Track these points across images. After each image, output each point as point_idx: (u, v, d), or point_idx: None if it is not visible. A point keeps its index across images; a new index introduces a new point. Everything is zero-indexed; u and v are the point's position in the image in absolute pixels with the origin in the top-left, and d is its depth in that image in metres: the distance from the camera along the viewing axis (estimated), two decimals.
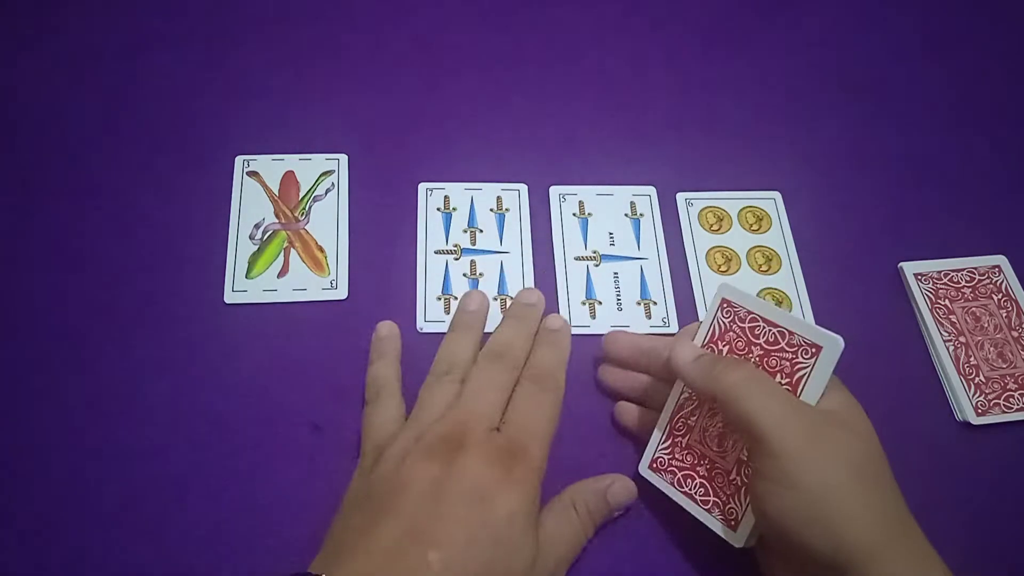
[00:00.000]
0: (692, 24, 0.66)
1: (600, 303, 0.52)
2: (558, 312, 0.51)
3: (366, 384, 0.46)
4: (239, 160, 0.56)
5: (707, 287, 0.53)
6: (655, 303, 0.52)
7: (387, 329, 0.48)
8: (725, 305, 0.42)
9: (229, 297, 0.51)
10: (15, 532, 0.43)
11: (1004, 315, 0.52)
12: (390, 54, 0.62)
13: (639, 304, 0.52)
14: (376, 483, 0.37)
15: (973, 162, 0.60)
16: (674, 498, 0.42)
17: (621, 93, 0.62)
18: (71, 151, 0.56)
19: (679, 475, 0.42)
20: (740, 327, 0.41)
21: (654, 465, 0.43)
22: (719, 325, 0.42)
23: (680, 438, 0.43)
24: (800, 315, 0.52)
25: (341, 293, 0.51)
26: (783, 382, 0.39)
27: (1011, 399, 0.49)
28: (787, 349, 0.39)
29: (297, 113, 0.59)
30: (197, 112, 0.58)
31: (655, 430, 0.44)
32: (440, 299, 0.52)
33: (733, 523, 0.40)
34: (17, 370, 0.48)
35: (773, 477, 0.35)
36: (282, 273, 0.52)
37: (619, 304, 0.52)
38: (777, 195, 0.57)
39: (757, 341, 0.41)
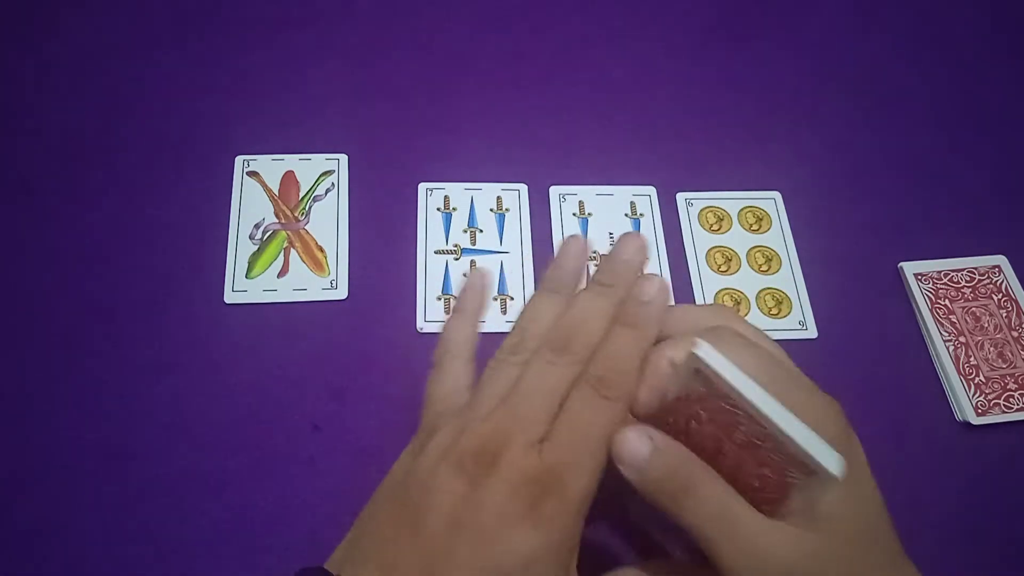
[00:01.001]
0: (692, 24, 0.66)
1: None
2: None
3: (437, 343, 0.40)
4: (239, 160, 0.56)
5: (707, 287, 0.53)
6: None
7: (477, 279, 0.40)
8: (699, 374, 0.30)
9: (229, 297, 0.51)
10: (15, 532, 0.43)
11: (1004, 315, 0.52)
12: (390, 54, 0.62)
13: None
14: (411, 482, 0.34)
15: (973, 162, 0.60)
16: None
17: (621, 93, 0.62)
18: (71, 151, 0.56)
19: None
20: (716, 404, 0.30)
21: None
22: (692, 392, 0.31)
23: None
24: (800, 315, 0.52)
25: (341, 293, 0.51)
26: (770, 477, 0.31)
27: (1011, 399, 0.49)
28: (777, 453, 0.29)
29: (297, 113, 0.59)
30: (197, 112, 0.58)
31: None
32: (440, 299, 0.52)
33: None
34: (17, 370, 0.48)
35: None
36: (282, 273, 0.52)
37: None
38: (777, 195, 0.57)
39: (740, 426, 0.30)
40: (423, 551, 0.31)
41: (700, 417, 0.32)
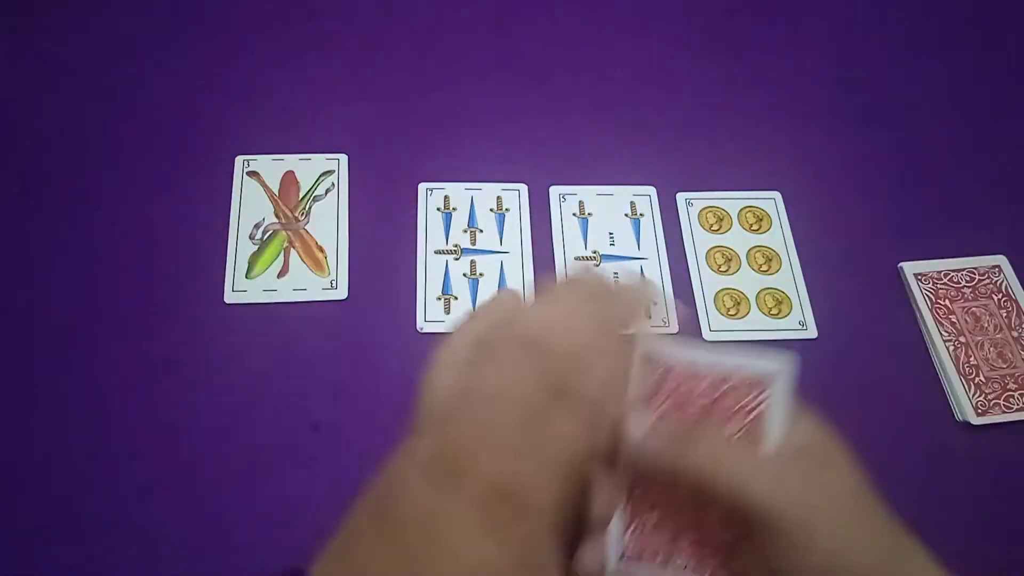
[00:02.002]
0: (692, 24, 0.66)
1: None
2: None
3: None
4: (239, 160, 0.56)
5: (707, 287, 0.53)
6: (655, 303, 0.52)
7: (503, 293, 0.39)
8: (647, 363, 0.35)
9: (229, 297, 0.51)
10: (15, 532, 0.43)
11: (1004, 315, 0.52)
12: (390, 54, 0.62)
13: None
14: (384, 485, 0.33)
15: (973, 162, 0.60)
16: None
17: (621, 93, 0.62)
18: (72, 152, 0.56)
19: (662, 555, 0.37)
20: (672, 384, 0.35)
21: (629, 555, 0.37)
22: (650, 381, 0.35)
23: (649, 515, 0.37)
24: (800, 315, 0.52)
25: (341, 293, 0.51)
26: (744, 423, 0.34)
27: (1011, 399, 0.49)
28: (736, 388, 0.34)
29: (297, 113, 0.59)
30: (197, 112, 0.58)
31: (612, 519, 0.37)
32: (440, 299, 0.51)
33: None
34: (18, 370, 0.48)
35: (779, 549, 0.32)
36: (282, 273, 0.52)
37: None
38: (777, 195, 0.57)
39: (699, 388, 0.35)
40: (392, 557, 0.31)
41: (666, 408, 0.36)
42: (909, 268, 0.54)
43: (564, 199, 0.56)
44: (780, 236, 0.55)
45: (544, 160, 0.58)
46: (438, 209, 0.55)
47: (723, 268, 0.54)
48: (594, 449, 0.32)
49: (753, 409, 0.34)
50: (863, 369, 0.51)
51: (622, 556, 0.37)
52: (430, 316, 0.51)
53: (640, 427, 0.34)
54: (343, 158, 0.57)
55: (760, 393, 0.34)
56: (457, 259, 0.53)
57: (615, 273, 0.51)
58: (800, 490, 0.33)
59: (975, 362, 0.50)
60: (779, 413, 0.34)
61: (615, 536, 0.37)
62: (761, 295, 0.53)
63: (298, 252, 0.53)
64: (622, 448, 0.34)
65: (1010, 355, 0.51)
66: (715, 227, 0.56)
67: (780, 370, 0.33)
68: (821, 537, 0.32)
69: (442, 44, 0.63)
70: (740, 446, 0.34)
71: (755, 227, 0.56)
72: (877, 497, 0.35)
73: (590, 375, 0.32)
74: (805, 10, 0.67)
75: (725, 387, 0.34)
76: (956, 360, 0.50)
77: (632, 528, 0.37)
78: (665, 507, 0.36)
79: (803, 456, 0.34)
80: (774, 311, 0.52)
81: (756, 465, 0.33)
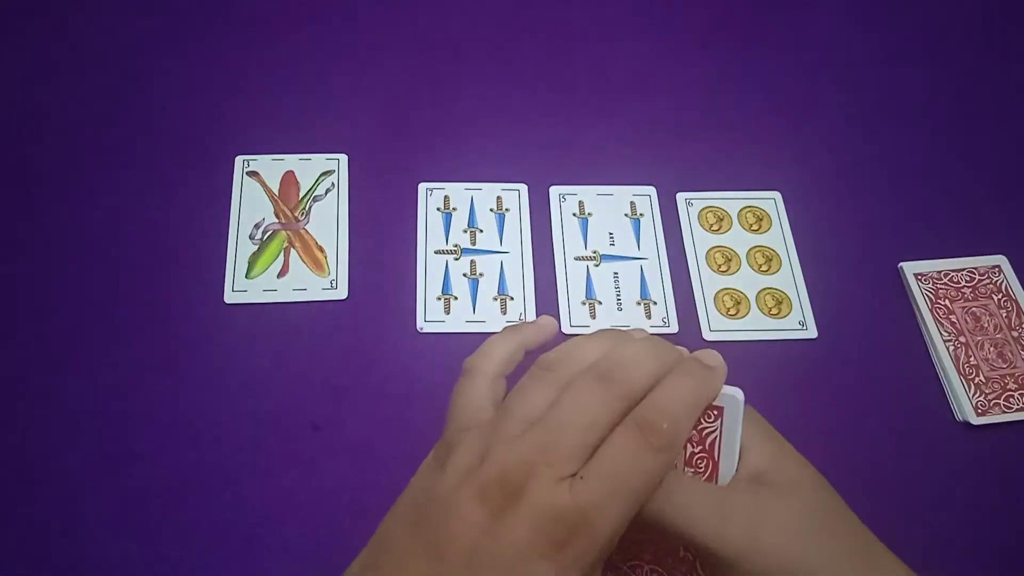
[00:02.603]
0: (692, 24, 0.66)
1: (600, 303, 0.52)
2: (557, 313, 0.51)
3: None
4: (239, 160, 0.56)
5: (707, 287, 0.53)
6: (655, 303, 0.52)
7: (550, 324, 0.39)
8: None
9: (229, 297, 0.51)
10: (15, 532, 0.43)
11: (1004, 315, 0.52)
12: (390, 54, 0.62)
13: (639, 304, 0.52)
14: (431, 503, 0.33)
15: (973, 162, 0.60)
16: None
17: (621, 93, 0.62)
18: (71, 151, 0.56)
19: (624, 568, 0.37)
20: None
21: None
22: None
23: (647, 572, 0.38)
24: (800, 315, 0.52)
25: (341, 293, 0.51)
26: (696, 451, 0.34)
27: (1011, 399, 0.49)
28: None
29: (297, 113, 0.59)
30: (197, 112, 0.58)
31: None
32: (440, 299, 0.51)
33: None
34: (17, 370, 0.48)
35: (736, 574, 0.32)
36: (282, 273, 0.52)
37: (619, 304, 0.52)
38: (777, 195, 0.57)
39: None
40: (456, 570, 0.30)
41: None
42: (909, 268, 0.54)
43: (564, 199, 0.56)
44: (780, 236, 0.55)
45: (544, 160, 0.58)
46: (438, 209, 0.55)
47: (723, 268, 0.54)
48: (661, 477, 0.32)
49: (706, 436, 0.34)
50: (863, 369, 0.51)
51: None
52: (430, 316, 0.51)
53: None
54: (343, 158, 0.57)
55: (712, 421, 0.33)
56: (457, 259, 0.53)
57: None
58: (747, 525, 0.32)
59: (975, 362, 0.50)
60: (731, 442, 0.33)
61: None
62: (761, 295, 0.53)
63: (298, 252, 0.53)
64: None
65: (1010, 355, 0.51)
66: (715, 227, 0.56)
67: (732, 400, 0.33)
68: (773, 564, 0.31)
69: (442, 44, 0.63)
70: (685, 480, 0.33)
71: (755, 227, 0.56)
72: (837, 513, 0.34)
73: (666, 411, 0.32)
74: (805, 10, 0.67)
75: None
76: (956, 360, 0.50)
77: None
78: (666, 564, 0.36)
79: (757, 484, 0.33)
80: (774, 311, 0.52)
81: (702, 503, 0.32)
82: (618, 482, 0.30)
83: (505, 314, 0.51)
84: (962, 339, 0.51)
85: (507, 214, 0.55)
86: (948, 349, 0.51)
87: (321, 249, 0.53)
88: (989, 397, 0.49)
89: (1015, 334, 0.51)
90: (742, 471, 0.34)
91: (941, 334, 0.51)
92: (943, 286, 0.53)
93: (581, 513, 0.30)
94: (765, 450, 0.34)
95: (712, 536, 0.32)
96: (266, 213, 0.54)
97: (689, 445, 0.34)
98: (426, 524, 0.32)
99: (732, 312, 0.52)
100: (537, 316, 0.51)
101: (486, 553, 0.30)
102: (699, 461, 0.34)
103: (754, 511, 0.32)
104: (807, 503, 0.33)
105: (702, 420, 0.33)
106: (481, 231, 0.54)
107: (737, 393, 0.33)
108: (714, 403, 0.33)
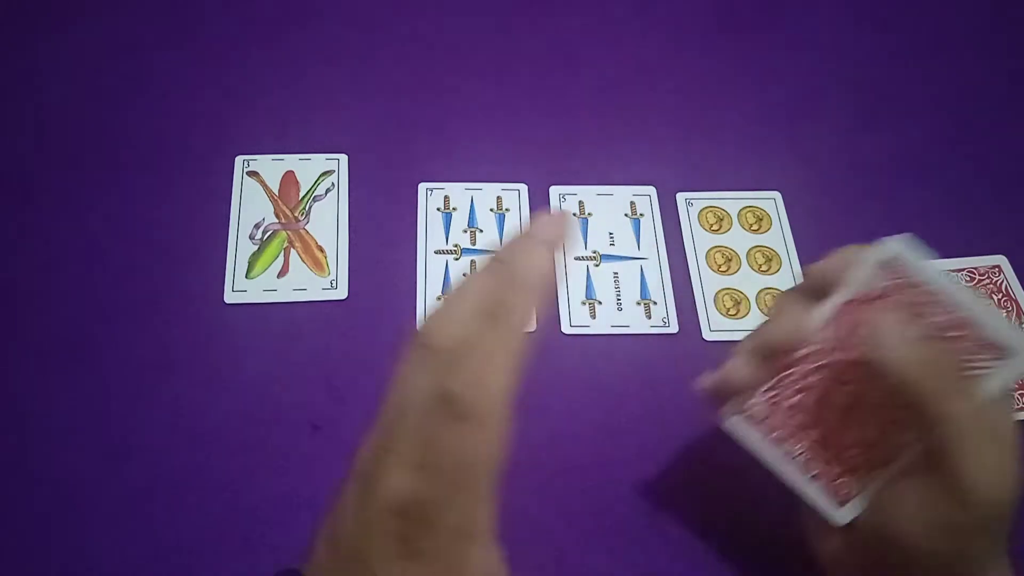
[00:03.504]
0: (692, 24, 0.66)
1: (600, 303, 0.52)
2: (556, 310, 0.51)
3: None
4: (239, 160, 0.56)
5: (707, 287, 0.53)
6: (655, 303, 0.52)
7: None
8: (892, 268, 0.35)
9: (229, 297, 0.51)
10: (15, 532, 0.43)
11: (1004, 315, 0.52)
12: (390, 54, 0.62)
13: (639, 304, 0.52)
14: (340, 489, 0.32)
15: (973, 162, 0.60)
16: (762, 456, 0.37)
17: (621, 93, 0.62)
18: (71, 151, 0.56)
19: (780, 433, 0.37)
20: (904, 296, 0.33)
21: (751, 415, 0.37)
22: (873, 289, 0.34)
23: (791, 394, 0.37)
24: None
25: (341, 293, 0.51)
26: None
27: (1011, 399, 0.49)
28: (968, 340, 0.32)
29: (297, 113, 0.59)
30: (197, 112, 0.58)
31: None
32: (440, 299, 0.51)
33: (840, 499, 0.36)
34: (17, 370, 0.48)
35: (945, 501, 0.32)
36: (282, 273, 0.52)
37: (619, 304, 0.52)
38: (777, 195, 0.57)
39: (932, 315, 0.33)
40: (336, 568, 0.30)
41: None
42: None
43: (564, 199, 0.56)
44: (780, 236, 0.55)
45: (544, 160, 0.58)
46: (438, 209, 0.55)
47: (723, 268, 0.54)
48: (492, 454, 0.27)
49: (975, 368, 0.32)
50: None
51: (745, 412, 0.36)
52: None
53: (899, 331, 0.33)
54: (343, 158, 0.57)
55: (989, 359, 0.32)
56: (457, 259, 0.53)
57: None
58: (1002, 481, 0.32)
59: None
60: (999, 386, 0.32)
61: (753, 391, 0.37)
62: (761, 295, 0.53)
63: (298, 252, 0.53)
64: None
65: None
66: (715, 227, 0.56)
67: (1020, 350, 0.32)
68: (985, 503, 0.31)
69: (442, 44, 0.63)
70: (996, 426, 0.32)
71: (755, 227, 0.56)
72: None
73: (465, 374, 0.28)
74: (806, 10, 0.67)
75: (958, 333, 0.32)
76: None
77: (771, 394, 0.36)
78: (811, 397, 0.35)
79: (999, 432, 0.32)
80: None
81: (997, 456, 0.32)
82: (447, 465, 0.27)
83: None
84: None
85: (507, 214, 0.55)
86: None
87: (321, 249, 0.53)
88: None
89: None
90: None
91: None
92: None
93: (418, 505, 0.27)
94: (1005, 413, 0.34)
95: (985, 485, 0.31)
96: (266, 213, 0.54)
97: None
98: (334, 510, 0.31)
99: (732, 312, 0.52)
100: (537, 316, 0.51)
101: (355, 547, 0.29)
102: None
103: (997, 452, 0.31)
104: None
105: (980, 352, 0.32)
106: (481, 231, 0.54)
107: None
108: (1007, 343, 0.32)
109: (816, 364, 0.35)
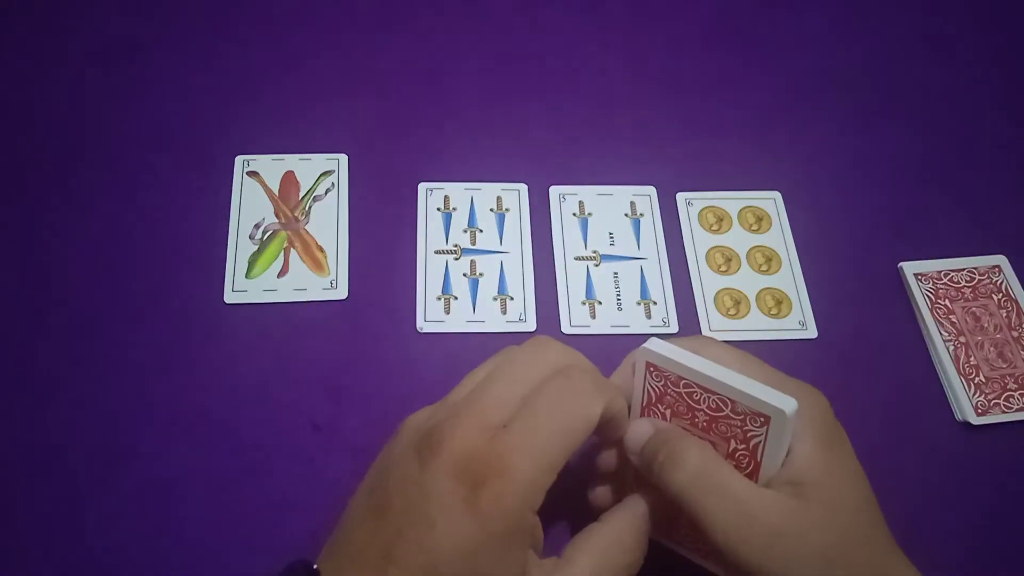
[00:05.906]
0: (692, 23, 0.66)
1: (600, 303, 0.52)
2: (556, 313, 0.51)
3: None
4: (239, 160, 0.56)
5: (707, 287, 0.53)
6: (655, 303, 0.52)
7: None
8: (652, 369, 0.35)
9: (229, 297, 0.51)
10: (15, 532, 0.43)
11: (1004, 315, 0.52)
12: (390, 54, 0.62)
13: (639, 304, 0.52)
14: (378, 466, 0.35)
15: (973, 162, 0.60)
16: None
17: (621, 93, 0.62)
18: (71, 150, 0.56)
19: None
20: (676, 392, 0.35)
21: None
22: (652, 391, 0.36)
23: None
24: (800, 315, 0.52)
25: (341, 293, 0.51)
26: (738, 448, 0.34)
27: (1011, 399, 0.49)
28: (733, 416, 0.34)
29: (297, 113, 0.59)
30: (197, 112, 0.58)
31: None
32: (440, 299, 0.51)
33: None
34: (17, 370, 0.48)
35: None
36: (282, 273, 0.52)
37: (619, 304, 0.52)
38: (777, 195, 0.57)
39: (699, 407, 0.35)
40: (383, 533, 0.31)
41: (665, 416, 0.36)
42: (909, 268, 0.54)
43: (564, 199, 0.56)
44: (780, 236, 0.55)
45: (544, 160, 0.58)
46: (438, 209, 0.55)
47: (723, 268, 0.54)
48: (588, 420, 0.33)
49: (750, 438, 0.33)
50: (863, 369, 0.51)
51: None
52: (430, 316, 0.51)
53: (638, 438, 0.36)
54: (343, 158, 0.57)
55: (758, 427, 0.33)
56: (457, 259, 0.53)
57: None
58: (767, 532, 0.32)
59: (975, 362, 0.50)
60: (776, 450, 0.33)
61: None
62: (761, 295, 0.53)
63: (298, 252, 0.53)
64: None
65: (1010, 355, 0.51)
66: (715, 227, 0.56)
67: (786, 412, 0.32)
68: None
69: (442, 44, 0.63)
70: (724, 467, 0.33)
71: (755, 227, 0.56)
72: (869, 544, 0.34)
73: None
74: (806, 9, 0.67)
75: (727, 411, 0.34)
76: (956, 360, 0.50)
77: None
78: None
79: (795, 494, 0.33)
80: (774, 311, 0.52)
81: (731, 490, 0.33)
82: (539, 422, 0.32)
83: (505, 314, 0.51)
84: (962, 339, 0.51)
85: (507, 214, 0.55)
86: (948, 349, 0.51)
87: (321, 249, 0.53)
88: (989, 397, 0.49)
89: (1015, 334, 0.51)
90: (784, 474, 0.33)
91: (941, 334, 0.51)
92: (943, 286, 0.53)
93: (497, 456, 0.31)
94: (816, 460, 0.33)
95: (732, 531, 0.32)
96: (266, 213, 0.54)
97: (733, 441, 0.34)
98: (376, 485, 0.33)
99: (732, 312, 0.52)
100: (537, 316, 0.51)
101: (415, 503, 0.31)
102: (741, 457, 0.34)
103: (779, 520, 0.32)
104: (839, 529, 0.32)
105: (748, 423, 0.33)
106: (481, 231, 0.54)
107: (786, 405, 0.32)
108: (761, 411, 0.32)
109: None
